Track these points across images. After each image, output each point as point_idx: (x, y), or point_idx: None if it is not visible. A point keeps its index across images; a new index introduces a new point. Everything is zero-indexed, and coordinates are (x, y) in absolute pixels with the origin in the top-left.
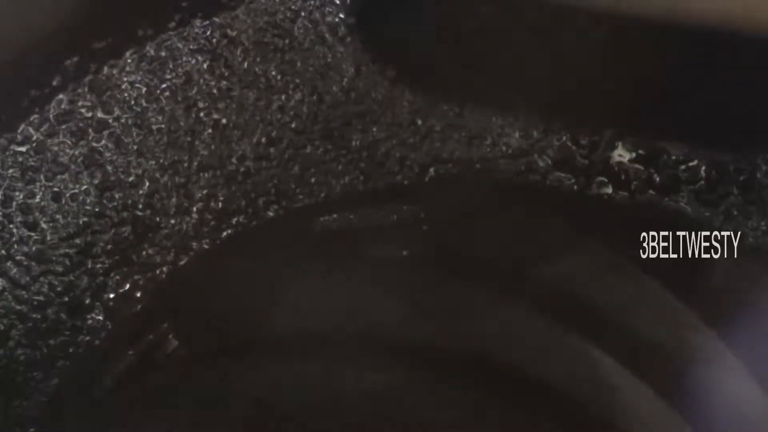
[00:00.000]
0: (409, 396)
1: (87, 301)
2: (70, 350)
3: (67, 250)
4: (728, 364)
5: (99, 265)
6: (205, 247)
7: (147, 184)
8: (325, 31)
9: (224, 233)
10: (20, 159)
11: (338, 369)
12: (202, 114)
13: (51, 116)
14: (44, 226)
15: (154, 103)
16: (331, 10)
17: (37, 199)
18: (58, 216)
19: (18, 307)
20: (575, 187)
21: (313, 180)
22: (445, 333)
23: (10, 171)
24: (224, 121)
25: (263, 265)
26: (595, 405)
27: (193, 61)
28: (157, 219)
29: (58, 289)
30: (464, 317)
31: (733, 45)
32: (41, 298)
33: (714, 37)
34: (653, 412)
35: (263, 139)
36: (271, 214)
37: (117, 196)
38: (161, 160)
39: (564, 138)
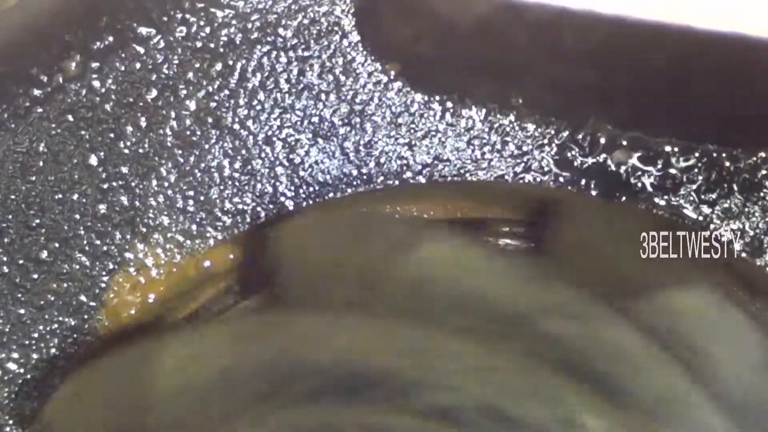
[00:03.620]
0: None
1: (88, 302)
2: (71, 351)
3: (67, 251)
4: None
5: (99, 266)
6: (204, 246)
7: (148, 184)
8: (325, 30)
9: (224, 234)
10: (20, 159)
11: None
12: (202, 114)
13: (51, 116)
14: (44, 225)
15: (155, 103)
16: (331, 9)
17: (37, 199)
18: (58, 216)
19: (19, 310)
20: (575, 187)
21: (313, 180)
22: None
23: (10, 171)
24: (226, 120)
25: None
26: None
27: (194, 61)
28: (159, 219)
29: (59, 290)
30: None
31: (734, 46)
32: (41, 300)
33: (715, 37)
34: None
35: (263, 139)
36: (270, 214)
37: (118, 196)
38: (162, 161)
39: (564, 138)
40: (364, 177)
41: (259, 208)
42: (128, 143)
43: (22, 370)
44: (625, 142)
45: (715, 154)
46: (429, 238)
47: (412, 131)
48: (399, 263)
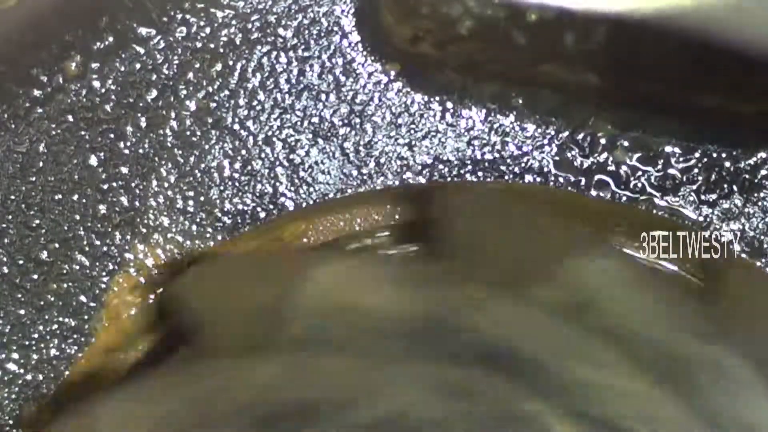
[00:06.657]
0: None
1: (88, 302)
2: (71, 351)
3: (67, 252)
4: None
5: (99, 266)
6: (204, 247)
7: (148, 184)
8: (325, 30)
9: (225, 234)
10: (20, 159)
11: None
12: (202, 114)
13: (51, 116)
14: (44, 226)
15: (155, 103)
16: (331, 9)
17: (38, 199)
18: (58, 216)
19: (19, 310)
20: (575, 187)
21: (313, 180)
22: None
23: (10, 171)
24: (226, 121)
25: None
26: None
27: (194, 61)
28: (159, 220)
29: (59, 290)
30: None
31: (733, 45)
32: (41, 300)
33: (714, 38)
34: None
35: (263, 139)
36: (270, 215)
37: (117, 197)
38: (162, 161)
39: (564, 138)
40: (364, 177)
41: (259, 209)
42: (128, 143)
43: (22, 371)
44: (625, 142)
45: (715, 154)
46: (318, 265)
47: (412, 131)
48: (296, 297)
